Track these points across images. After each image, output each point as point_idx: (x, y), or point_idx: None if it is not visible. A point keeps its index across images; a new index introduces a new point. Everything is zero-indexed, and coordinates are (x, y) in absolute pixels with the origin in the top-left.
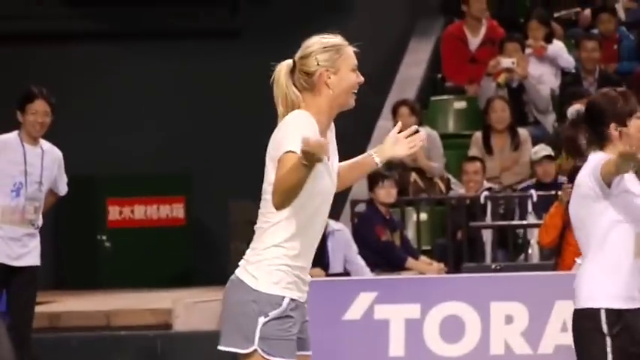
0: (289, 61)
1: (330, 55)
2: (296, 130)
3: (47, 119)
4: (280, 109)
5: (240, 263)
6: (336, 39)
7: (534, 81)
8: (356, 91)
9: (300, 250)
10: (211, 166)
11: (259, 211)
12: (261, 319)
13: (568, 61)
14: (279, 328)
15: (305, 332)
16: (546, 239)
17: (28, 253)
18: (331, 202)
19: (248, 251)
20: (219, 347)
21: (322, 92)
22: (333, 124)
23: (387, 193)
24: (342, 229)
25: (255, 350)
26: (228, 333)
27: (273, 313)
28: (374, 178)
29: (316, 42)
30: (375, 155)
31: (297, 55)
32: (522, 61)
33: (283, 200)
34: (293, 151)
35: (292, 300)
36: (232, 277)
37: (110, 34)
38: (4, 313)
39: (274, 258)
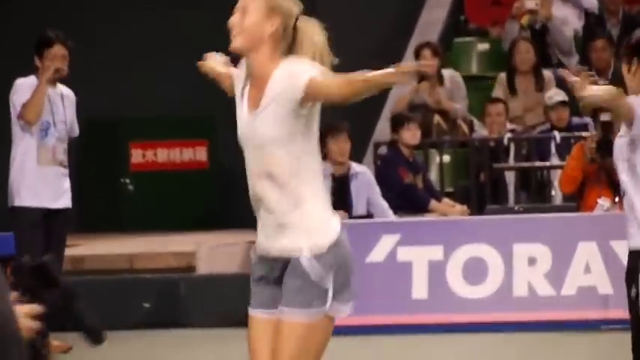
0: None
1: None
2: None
3: (65, 63)
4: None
5: None
6: None
7: (558, 22)
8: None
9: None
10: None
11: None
12: None
13: (591, 2)
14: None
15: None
16: (567, 189)
17: (63, 194)
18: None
19: None
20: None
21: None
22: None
23: (412, 135)
24: (364, 172)
25: None
26: None
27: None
28: (398, 120)
29: None
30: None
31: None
32: (546, 2)
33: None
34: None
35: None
36: None
37: None
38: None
39: None
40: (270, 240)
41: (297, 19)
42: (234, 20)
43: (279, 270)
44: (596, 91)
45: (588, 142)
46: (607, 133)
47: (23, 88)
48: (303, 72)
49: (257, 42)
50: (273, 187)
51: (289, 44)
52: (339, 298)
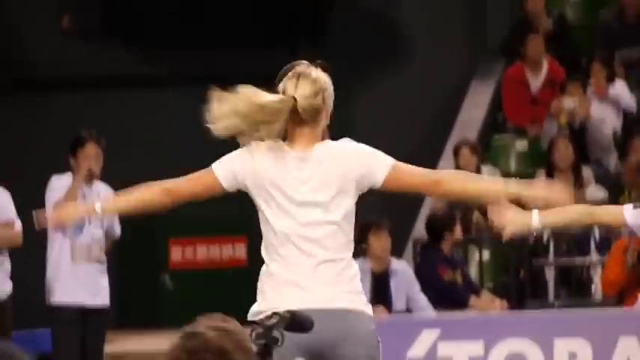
0: (290, 98)
1: (329, 91)
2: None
3: (99, 161)
4: (262, 134)
5: (345, 296)
6: (322, 73)
7: (596, 122)
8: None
9: None
10: None
11: (330, 243)
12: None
13: (629, 103)
14: None
15: None
16: (610, 293)
17: (100, 292)
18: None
19: (347, 281)
20: None
21: (321, 124)
22: None
23: (459, 231)
24: (404, 268)
25: None
26: None
27: None
28: (436, 220)
29: (320, 77)
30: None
31: (302, 93)
32: (584, 102)
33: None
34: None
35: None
36: (349, 307)
37: (168, 79)
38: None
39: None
40: None
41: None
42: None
43: None
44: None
45: (630, 250)
46: None
47: (57, 186)
48: None
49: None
50: None
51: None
52: None
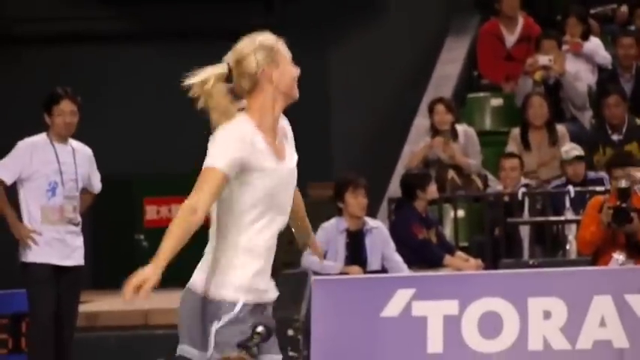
0: (218, 70)
1: (268, 51)
2: (224, 144)
3: (74, 119)
4: (214, 116)
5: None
6: (268, 36)
7: (571, 78)
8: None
9: None
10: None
11: None
12: None
13: (605, 57)
14: None
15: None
16: (585, 251)
17: (73, 252)
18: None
19: None
20: None
21: (264, 89)
22: (286, 120)
23: (434, 191)
24: (379, 227)
25: None
26: None
27: None
28: (411, 177)
29: (250, 42)
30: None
31: (232, 60)
32: (559, 58)
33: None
34: (214, 168)
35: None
36: None
37: (144, 35)
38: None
39: None
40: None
41: None
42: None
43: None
44: None
45: (605, 208)
46: (624, 201)
47: (16, 151)
48: None
49: None
50: None
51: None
52: None
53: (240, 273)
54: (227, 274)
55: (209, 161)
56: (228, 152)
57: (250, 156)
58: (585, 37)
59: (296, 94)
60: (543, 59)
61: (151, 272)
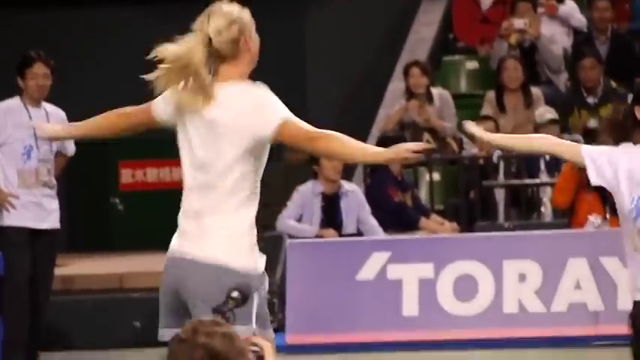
0: (200, 37)
1: (246, 21)
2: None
3: (47, 82)
4: (192, 82)
5: None
6: (236, 6)
7: (546, 41)
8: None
9: None
10: None
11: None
12: None
13: (580, 20)
14: None
15: None
16: (561, 200)
17: (49, 216)
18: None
19: None
20: None
21: (244, 58)
22: None
23: None
24: (354, 190)
25: None
26: None
27: None
28: (388, 141)
29: (231, 10)
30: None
31: (214, 28)
32: (534, 22)
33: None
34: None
35: None
36: None
37: None
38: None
39: None
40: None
41: None
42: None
43: None
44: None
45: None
46: (592, 142)
47: None
48: None
49: None
50: None
51: None
52: None
53: None
54: None
55: (289, 114)
56: None
57: None
58: None
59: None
60: (518, 22)
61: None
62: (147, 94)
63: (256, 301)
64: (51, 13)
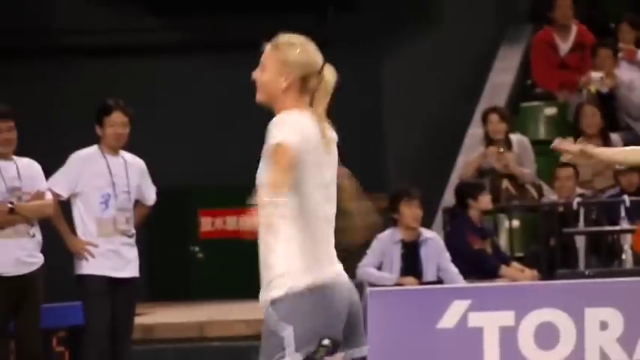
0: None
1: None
2: None
3: (126, 130)
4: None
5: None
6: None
7: (625, 88)
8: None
9: None
10: None
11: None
12: None
13: None
14: None
15: None
16: None
17: (128, 264)
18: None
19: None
20: None
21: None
22: None
23: (487, 201)
24: (434, 238)
25: None
26: None
27: None
28: (466, 187)
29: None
30: None
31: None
32: (610, 74)
33: None
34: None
35: None
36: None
37: (195, 46)
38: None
39: None
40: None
41: (322, 68)
42: (254, 76)
43: None
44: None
45: None
46: None
47: (69, 165)
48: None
49: (273, 97)
50: None
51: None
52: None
53: None
54: None
55: None
56: None
57: None
58: (639, 44)
59: (257, 97)
60: (595, 76)
61: None
62: (223, 139)
63: None
64: (125, 60)
